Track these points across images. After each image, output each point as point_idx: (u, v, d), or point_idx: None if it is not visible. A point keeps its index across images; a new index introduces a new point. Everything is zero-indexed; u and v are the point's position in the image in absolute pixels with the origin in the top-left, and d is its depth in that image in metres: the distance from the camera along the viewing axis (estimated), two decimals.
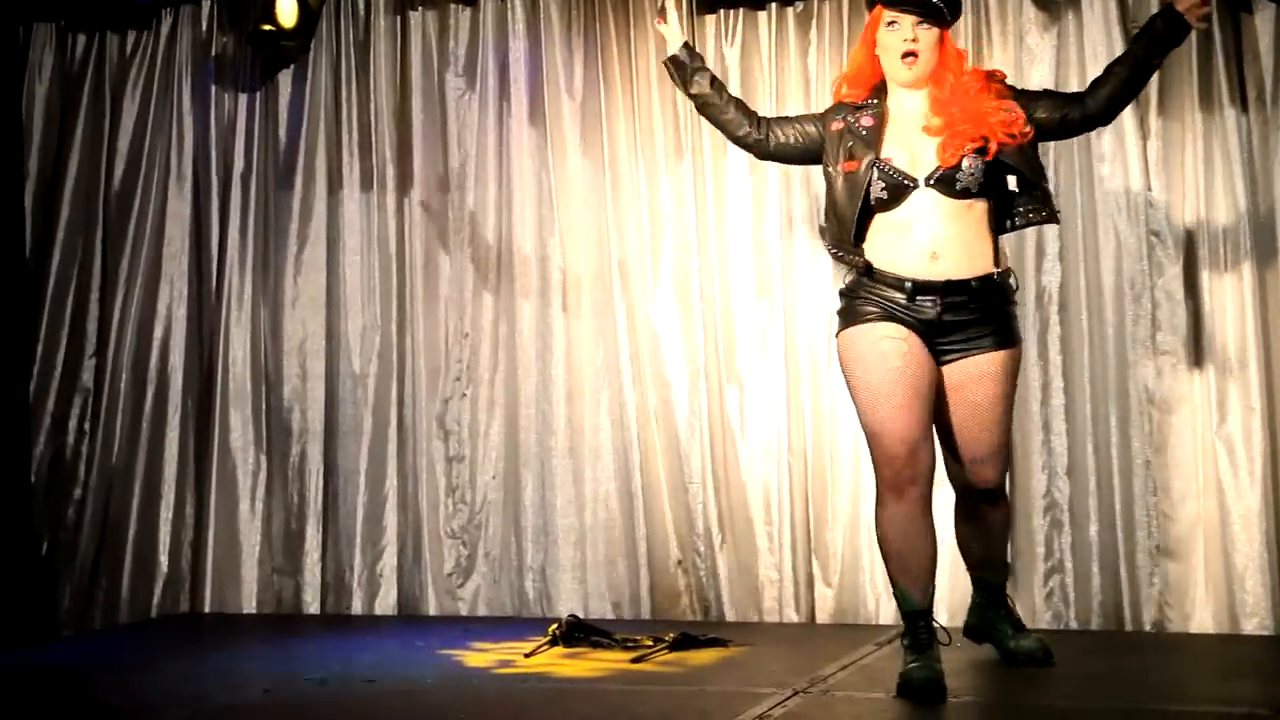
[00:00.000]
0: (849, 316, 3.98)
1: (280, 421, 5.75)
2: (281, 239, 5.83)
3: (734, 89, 5.45)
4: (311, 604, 5.66)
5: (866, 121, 3.99)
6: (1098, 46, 5.14)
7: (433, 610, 5.58)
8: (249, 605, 5.66)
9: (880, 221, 3.94)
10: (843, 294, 4.04)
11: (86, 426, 5.80)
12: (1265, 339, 4.96)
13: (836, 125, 4.06)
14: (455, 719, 3.81)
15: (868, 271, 3.94)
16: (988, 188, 3.91)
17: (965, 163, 3.87)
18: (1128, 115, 5.08)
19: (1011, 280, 4.02)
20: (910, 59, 3.93)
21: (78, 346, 5.85)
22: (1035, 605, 5.05)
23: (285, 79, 5.89)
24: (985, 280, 3.91)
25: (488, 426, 5.63)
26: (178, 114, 5.89)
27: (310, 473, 5.71)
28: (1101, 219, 5.14)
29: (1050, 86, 5.14)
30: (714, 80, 4.33)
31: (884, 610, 5.19)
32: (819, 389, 5.33)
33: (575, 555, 5.48)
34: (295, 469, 5.73)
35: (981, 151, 3.88)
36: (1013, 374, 4.03)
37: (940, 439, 4.03)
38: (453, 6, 5.79)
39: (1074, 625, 5.03)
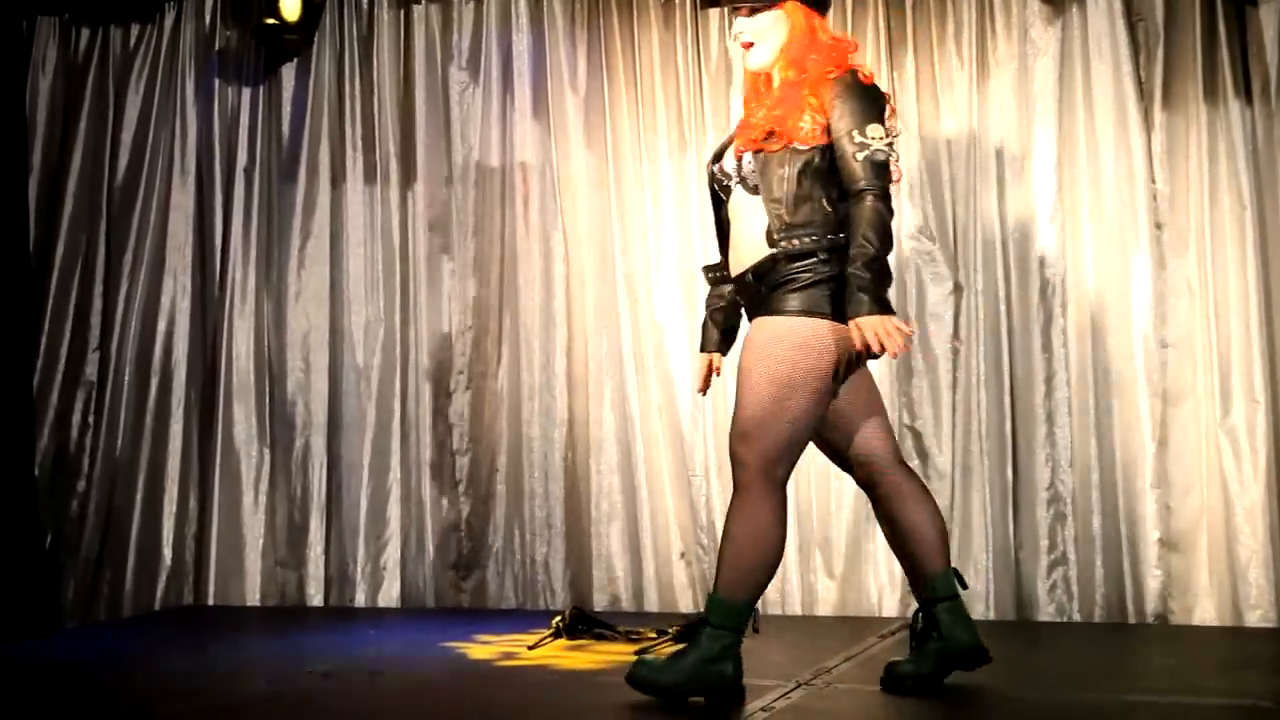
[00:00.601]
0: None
1: (284, 414, 5.75)
2: (285, 232, 5.83)
3: (737, 84, 5.46)
4: (315, 597, 5.66)
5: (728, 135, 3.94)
6: (1101, 40, 5.14)
7: (436, 603, 5.59)
8: (252, 598, 5.66)
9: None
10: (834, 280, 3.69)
11: (90, 419, 5.80)
12: (1269, 332, 4.96)
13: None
14: (462, 710, 3.81)
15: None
16: (770, 180, 3.70)
17: (745, 159, 3.76)
18: (1132, 108, 5.08)
19: (820, 255, 3.67)
20: (746, 48, 3.83)
21: (81, 339, 5.85)
22: (1038, 597, 5.05)
23: (289, 72, 5.89)
24: (755, 269, 3.74)
25: (491, 419, 5.63)
26: (181, 107, 5.89)
27: (314, 465, 5.71)
28: (1106, 212, 5.13)
29: (1051, 81, 5.15)
30: None
31: (887, 602, 5.19)
32: None
33: (578, 547, 5.48)
34: (298, 462, 5.73)
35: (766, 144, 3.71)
36: (762, 344, 3.69)
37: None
38: (456, 0, 5.78)
39: (1077, 617, 5.03)
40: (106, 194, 5.90)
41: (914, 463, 5.21)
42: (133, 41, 5.95)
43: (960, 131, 5.28)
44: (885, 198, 3.65)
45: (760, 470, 3.69)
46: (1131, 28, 5.12)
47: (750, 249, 3.76)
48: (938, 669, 3.82)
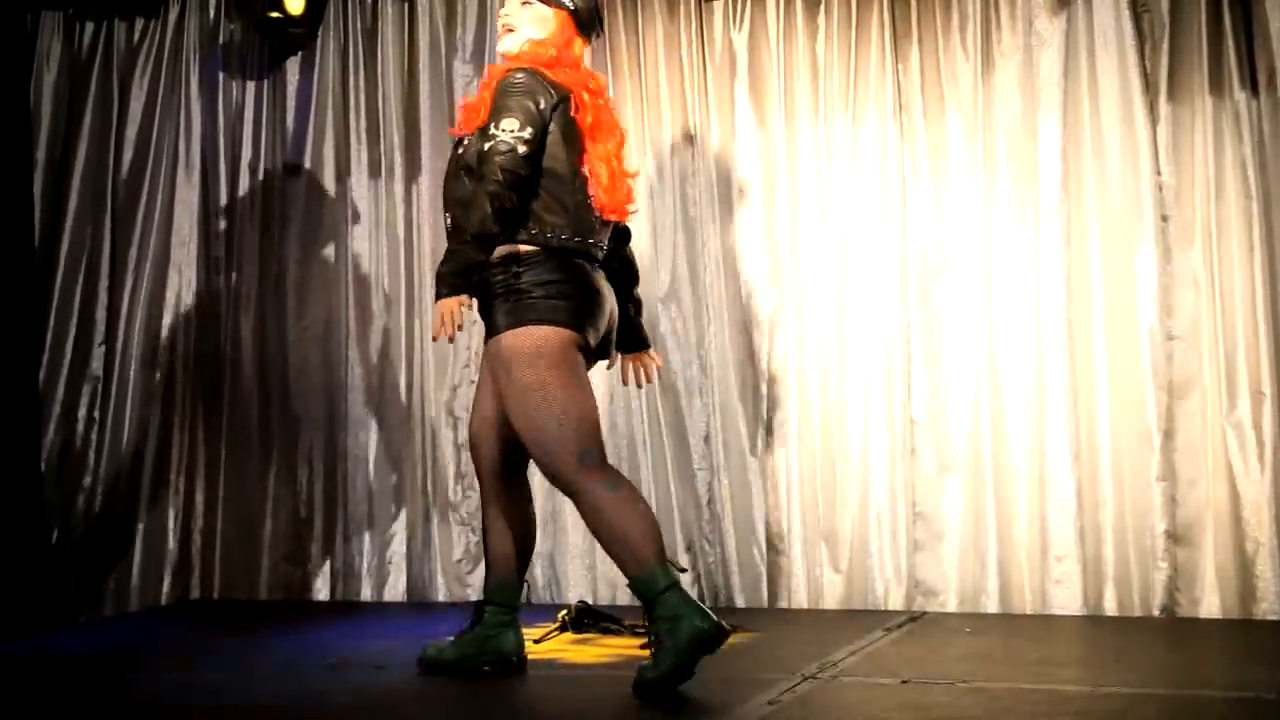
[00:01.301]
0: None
1: (289, 409, 5.75)
2: (289, 227, 5.82)
3: (742, 76, 5.48)
4: (321, 591, 5.66)
5: None
6: (1107, 31, 5.12)
7: (442, 597, 5.59)
8: (259, 592, 5.66)
9: None
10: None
11: (96, 414, 5.79)
12: (1276, 324, 4.94)
13: None
14: (469, 704, 3.82)
15: None
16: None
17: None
18: (1137, 99, 5.07)
19: (519, 268, 3.82)
20: (505, 30, 4.02)
21: (86, 335, 5.85)
22: (1046, 591, 5.04)
23: (293, 66, 5.88)
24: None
25: None
26: (186, 102, 5.88)
27: (319, 460, 5.71)
28: (1111, 204, 5.12)
29: (1056, 73, 5.13)
30: None
31: (893, 596, 5.19)
32: (827, 372, 5.33)
33: (584, 542, 5.47)
34: (304, 456, 5.72)
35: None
36: (505, 363, 3.82)
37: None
38: None
39: (1084, 611, 5.02)
40: (111, 189, 5.89)
41: (917, 456, 5.21)
42: (137, 36, 5.93)
43: (966, 124, 5.27)
44: (496, 181, 3.73)
45: (566, 472, 3.83)
46: (1137, 19, 5.11)
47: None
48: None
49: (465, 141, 3.99)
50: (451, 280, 3.75)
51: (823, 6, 5.42)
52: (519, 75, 3.87)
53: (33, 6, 5.89)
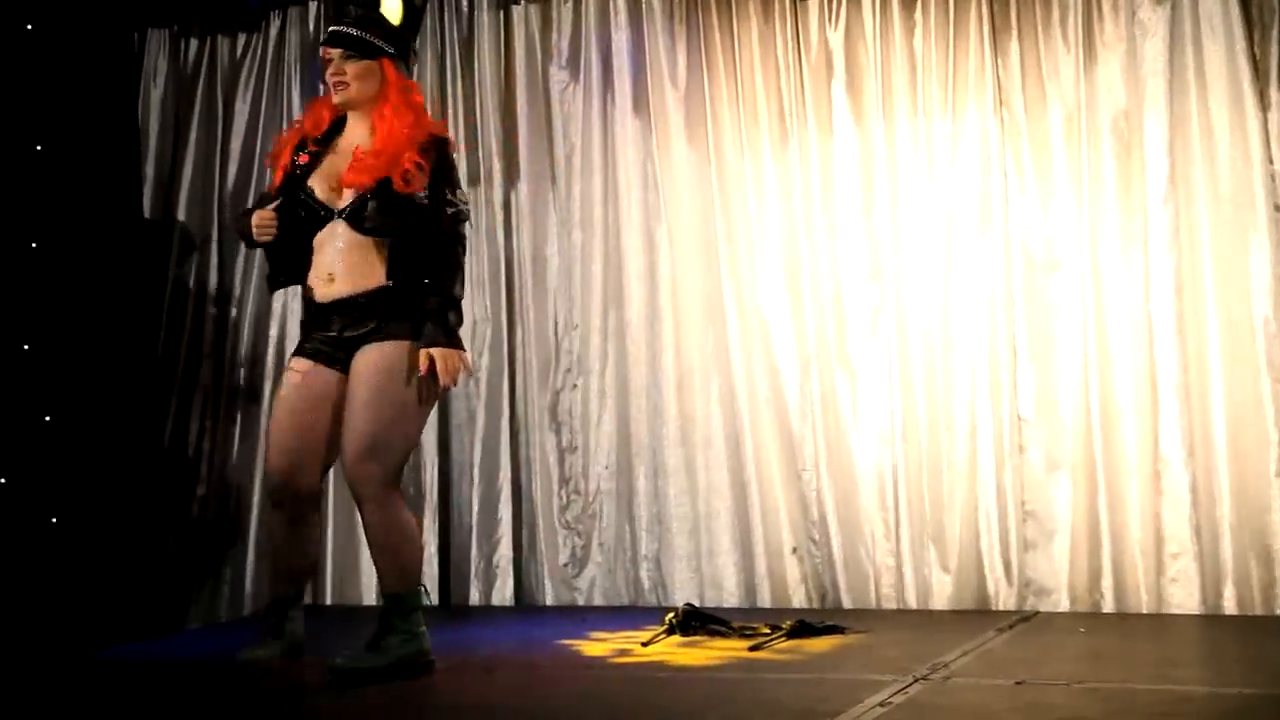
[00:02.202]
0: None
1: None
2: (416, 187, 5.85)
3: (839, 75, 5.45)
4: (430, 595, 5.70)
5: (301, 160, 4.23)
6: (1213, 19, 5.03)
7: (549, 600, 5.62)
8: (368, 597, 5.72)
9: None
10: None
11: (207, 424, 5.90)
12: None
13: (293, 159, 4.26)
14: (580, 707, 3.83)
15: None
16: (392, 225, 4.12)
17: (369, 205, 4.11)
18: (1247, 87, 4.97)
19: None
20: (339, 87, 4.22)
21: (196, 346, 5.95)
22: (1162, 589, 4.95)
23: None
24: (375, 293, 4.12)
25: (599, 417, 5.65)
26: (288, 114, 5.95)
27: (425, 466, 5.76)
28: (1221, 194, 5.02)
29: (1161, 63, 5.05)
30: None
31: (1004, 596, 5.13)
32: (932, 371, 5.29)
33: (689, 544, 5.48)
34: (411, 462, 5.75)
35: (382, 190, 4.10)
36: (384, 369, 4.09)
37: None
38: (555, 0, 5.80)
39: (1201, 609, 4.92)
40: (218, 201, 5.99)
41: (1025, 454, 5.15)
42: (239, 50, 6.04)
43: (1068, 118, 5.20)
44: (465, 248, 4.26)
45: (387, 481, 4.11)
46: (1244, 5, 5.01)
47: (360, 277, 4.11)
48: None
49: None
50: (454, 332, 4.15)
51: (919, 3, 5.38)
52: (450, 145, 4.30)
53: (139, 25, 6.02)
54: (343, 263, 4.15)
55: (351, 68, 4.21)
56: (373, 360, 4.11)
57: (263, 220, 4.15)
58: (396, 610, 4.12)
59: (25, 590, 5.14)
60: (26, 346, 5.35)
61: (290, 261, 4.25)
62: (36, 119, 5.43)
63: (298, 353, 4.24)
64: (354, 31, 4.22)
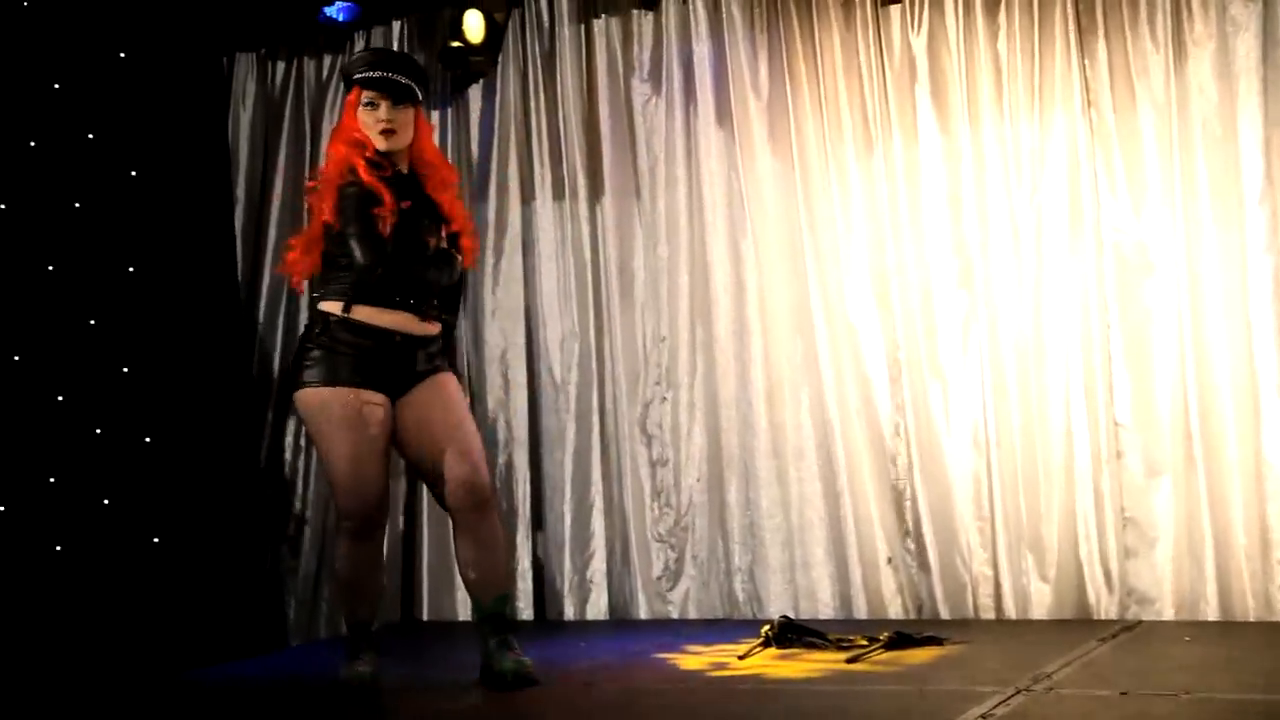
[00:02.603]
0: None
1: (485, 431, 5.83)
2: (478, 252, 5.92)
3: (923, 80, 5.42)
4: (524, 610, 5.74)
5: (404, 205, 4.22)
6: None
7: (643, 614, 5.62)
8: (464, 613, 5.74)
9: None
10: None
11: (302, 442, 5.96)
12: None
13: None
14: None
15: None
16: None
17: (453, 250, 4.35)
18: None
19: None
20: (388, 134, 4.25)
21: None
22: (1269, 596, 4.86)
23: (475, 93, 5.99)
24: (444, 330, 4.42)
25: (689, 429, 5.65)
26: None
27: (517, 481, 5.79)
28: None
29: (1254, 59, 4.97)
30: None
31: (1105, 604, 5.06)
32: (1025, 377, 5.23)
33: (783, 556, 5.47)
34: (502, 478, 5.81)
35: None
36: (460, 392, 4.44)
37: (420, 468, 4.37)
38: (635, 12, 5.82)
39: None
40: (308, 221, 6.05)
41: (1123, 460, 5.09)
42: (325, 71, 6.11)
43: (1159, 118, 5.13)
44: None
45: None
46: None
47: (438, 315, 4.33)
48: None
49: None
50: None
51: (1003, 5, 5.33)
52: None
53: (228, 49, 6.11)
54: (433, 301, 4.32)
55: (400, 115, 4.25)
56: (453, 382, 4.35)
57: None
58: (510, 608, 4.32)
59: (129, 610, 5.24)
60: (126, 369, 5.45)
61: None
62: (131, 146, 5.55)
63: (359, 385, 4.16)
64: (403, 80, 4.25)
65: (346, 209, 4.13)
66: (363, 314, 4.18)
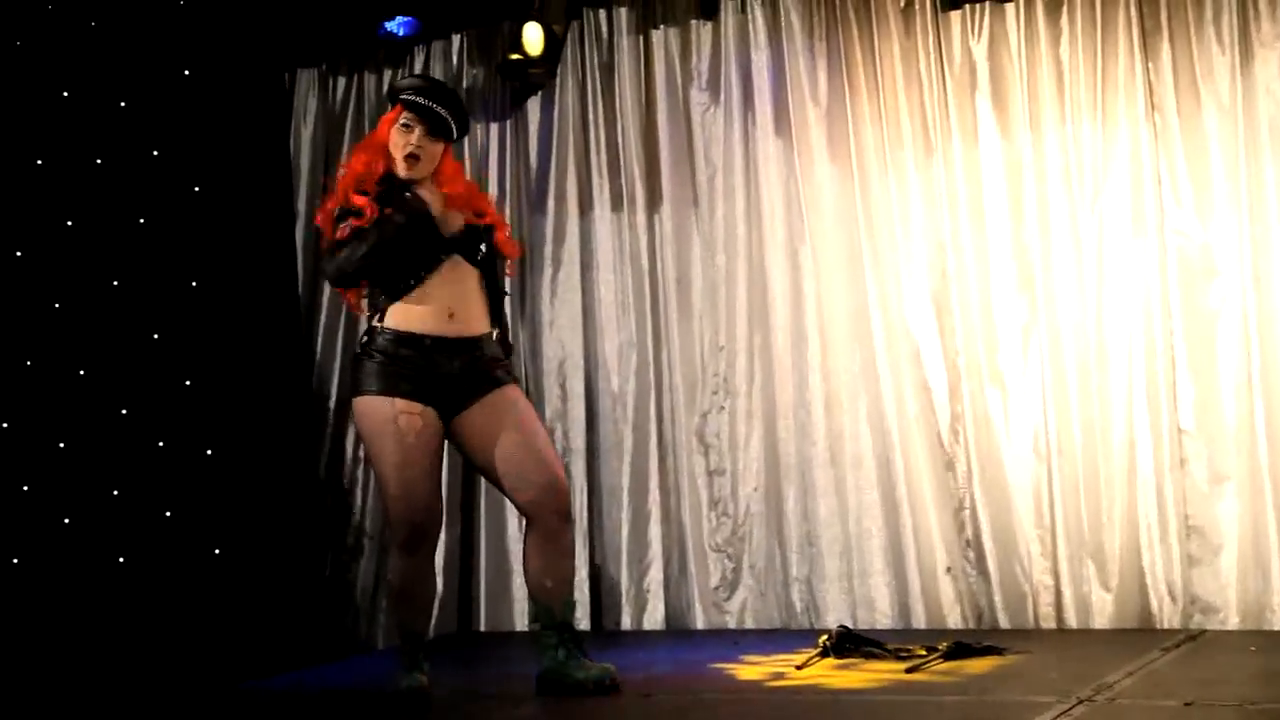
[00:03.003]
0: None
1: None
2: (537, 262, 5.94)
3: (983, 86, 5.38)
4: (581, 620, 5.71)
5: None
6: None
7: (700, 624, 5.61)
8: (520, 623, 5.76)
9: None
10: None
11: (360, 453, 5.99)
12: None
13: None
14: None
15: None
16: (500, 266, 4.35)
17: (483, 241, 4.27)
18: None
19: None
20: (413, 161, 4.21)
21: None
22: None
23: (534, 105, 6.02)
24: (487, 336, 4.28)
25: (747, 438, 5.63)
26: None
27: (575, 490, 5.78)
28: None
29: None
30: None
31: (1168, 614, 4.98)
32: (1087, 384, 5.17)
33: (841, 565, 5.43)
34: None
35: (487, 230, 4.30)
36: (528, 405, 4.39)
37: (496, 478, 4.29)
38: (694, 23, 5.82)
39: None
40: None
41: (1187, 467, 5.00)
42: (386, 86, 6.15)
43: (1224, 121, 5.05)
44: None
45: None
46: None
47: (477, 318, 4.25)
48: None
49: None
50: None
51: (1065, 9, 5.28)
52: None
53: (289, 66, 6.19)
54: (463, 300, 4.21)
55: (431, 146, 4.23)
56: (521, 396, 4.33)
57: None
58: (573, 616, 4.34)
59: (190, 620, 5.29)
60: (189, 383, 5.51)
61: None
62: (194, 162, 5.63)
63: (397, 393, 4.12)
64: (444, 114, 4.24)
65: (328, 235, 4.23)
66: (394, 319, 4.18)
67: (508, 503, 5.78)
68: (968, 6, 5.41)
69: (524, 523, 4.34)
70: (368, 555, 5.96)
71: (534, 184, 5.99)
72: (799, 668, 4.51)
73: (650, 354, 5.78)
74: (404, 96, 4.27)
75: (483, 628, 5.84)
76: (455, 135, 4.33)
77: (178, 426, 5.47)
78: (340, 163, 4.63)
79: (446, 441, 4.27)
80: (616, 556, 5.74)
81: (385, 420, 4.13)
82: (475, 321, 4.24)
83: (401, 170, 4.22)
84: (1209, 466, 5.01)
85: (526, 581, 4.35)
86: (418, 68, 6.11)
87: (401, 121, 4.24)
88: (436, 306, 4.18)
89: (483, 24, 6.06)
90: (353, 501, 6.01)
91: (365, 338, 4.24)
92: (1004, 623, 5.18)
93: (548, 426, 5.86)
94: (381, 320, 4.19)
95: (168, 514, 5.40)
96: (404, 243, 4.14)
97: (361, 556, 5.97)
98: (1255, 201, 5.00)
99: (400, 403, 4.13)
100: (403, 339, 4.17)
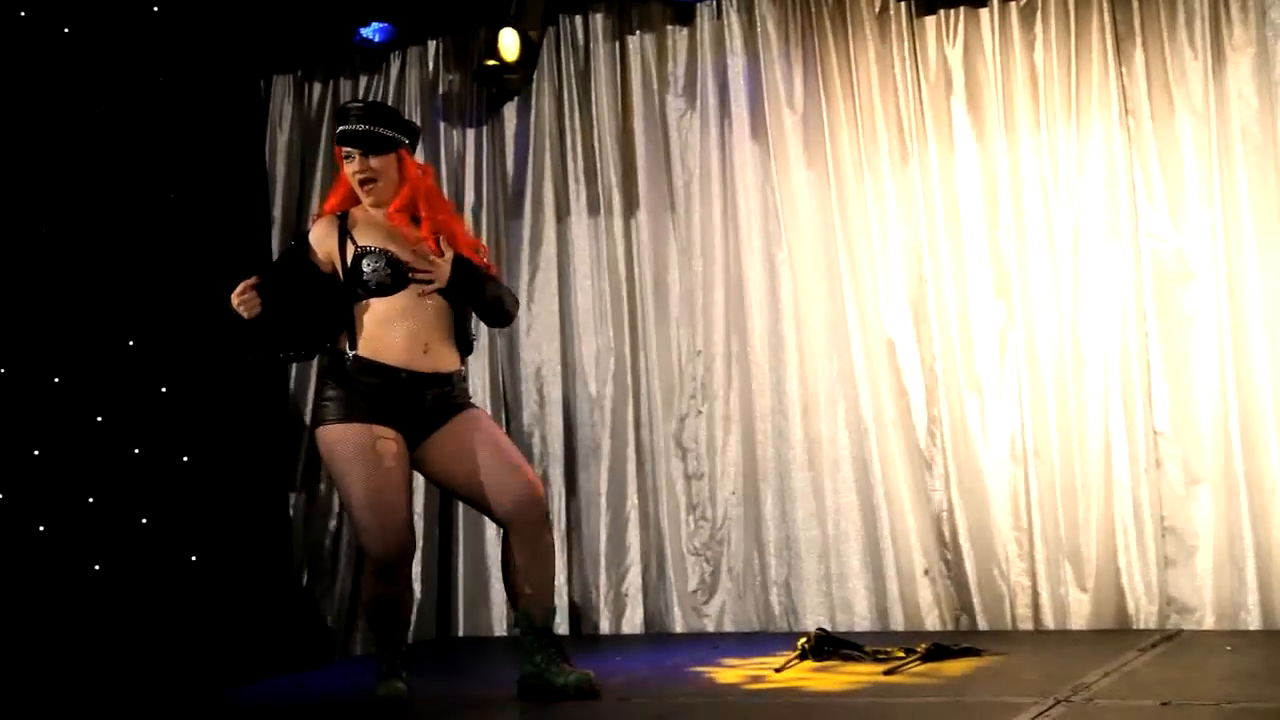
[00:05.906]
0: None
1: (521, 446, 5.78)
2: (514, 267, 5.94)
3: (958, 91, 5.39)
4: (560, 625, 5.66)
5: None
6: None
7: (679, 628, 5.61)
8: (499, 628, 5.76)
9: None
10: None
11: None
12: None
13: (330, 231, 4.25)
14: None
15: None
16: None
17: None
18: None
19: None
20: (368, 186, 4.23)
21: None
22: None
23: (510, 111, 6.02)
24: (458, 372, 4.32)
25: (724, 443, 5.64)
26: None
27: (553, 495, 5.79)
28: None
29: None
30: None
31: (1145, 614, 5.01)
32: (1063, 387, 5.19)
33: (819, 568, 5.44)
34: None
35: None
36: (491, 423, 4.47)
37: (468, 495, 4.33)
38: (670, 29, 5.84)
39: None
40: None
41: (1163, 469, 5.03)
42: (361, 92, 6.15)
43: (1198, 125, 5.08)
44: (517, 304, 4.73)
45: None
46: None
47: (450, 352, 4.25)
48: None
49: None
50: None
51: (1039, 14, 5.30)
52: None
53: (265, 72, 6.17)
54: (436, 334, 4.20)
55: (378, 163, 4.23)
56: (485, 415, 4.43)
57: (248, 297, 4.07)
58: (554, 622, 4.32)
59: (166, 627, 5.26)
60: (164, 389, 5.49)
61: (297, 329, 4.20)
62: (170, 169, 5.60)
63: (371, 420, 4.10)
64: (369, 128, 4.22)
65: None
66: (367, 349, 4.14)
67: None
68: (942, 11, 5.43)
69: (502, 531, 4.32)
70: (344, 562, 5.93)
71: (510, 190, 5.99)
72: (778, 670, 4.52)
73: (628, 359, 5.78)
74: (337, 132, 4.31)
75: (461, 633, 5.83)
76: (402, 141, 4.28)
77: (154, 433, 5.44)
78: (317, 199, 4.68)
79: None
80: (595, 561, 5.74)
81: (361, 447, 4.09)
82: (448, 357, 4.25)
83: (365, 199, 4.26)
84: (1184, 468, 5.04)
85: (506, 588, 4.34)
86: (394, 73, 6.11)
87: (345, 155, 4.28)
88: (410, 340, 4.15)
89: (459, 30, 6.06)
90: (329, 508, 5.98)
91: (331, 363, 4.19)
92: (982, 624, 5.19)
93: (525, 431, 5.88)
94: (354, 347, 4.14)
95: (144, 521, 5.37)
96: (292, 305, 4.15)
97: (338, 563, 5.94)
98: (1229, 206, 5.03)
99: (378, 428, 4.12)
100: (375, 369, 4.14)
